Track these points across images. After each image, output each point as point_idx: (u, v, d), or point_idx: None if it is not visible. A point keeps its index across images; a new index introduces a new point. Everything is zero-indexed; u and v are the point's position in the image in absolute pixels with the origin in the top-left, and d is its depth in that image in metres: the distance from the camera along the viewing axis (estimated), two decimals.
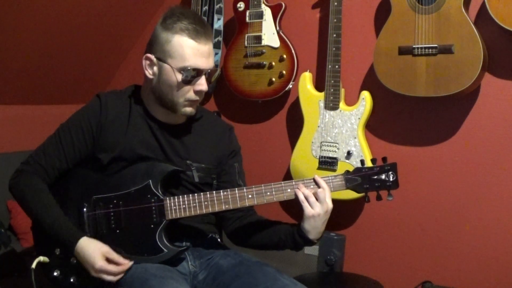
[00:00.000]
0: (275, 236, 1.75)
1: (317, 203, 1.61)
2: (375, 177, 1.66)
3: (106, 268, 1.60)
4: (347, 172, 1.68)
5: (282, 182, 1.64)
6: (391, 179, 1.66)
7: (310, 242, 1.68)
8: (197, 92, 1.69)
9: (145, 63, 1.72)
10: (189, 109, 1.72)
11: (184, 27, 1.65)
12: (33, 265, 1.66)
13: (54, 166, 1.73)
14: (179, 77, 1.65)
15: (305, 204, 1.61)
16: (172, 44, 1.65)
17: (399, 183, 1.67)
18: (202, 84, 1.68)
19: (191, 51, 1.65)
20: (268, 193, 1.64)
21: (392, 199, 1.67)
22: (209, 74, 1.72)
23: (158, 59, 1.68)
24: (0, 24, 2.40)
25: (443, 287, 2.36)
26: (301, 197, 1.62)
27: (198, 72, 1.67)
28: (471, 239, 2.38)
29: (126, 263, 1.63)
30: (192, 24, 1.65)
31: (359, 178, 1.66)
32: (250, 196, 1.65)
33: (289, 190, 1.64)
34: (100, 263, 1.60)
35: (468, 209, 2.39)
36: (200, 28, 1.66)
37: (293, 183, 1.65)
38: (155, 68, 1.70)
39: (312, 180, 1.65)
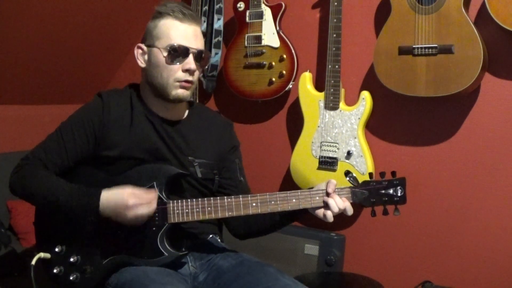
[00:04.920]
0: (274, 217, 1.75)
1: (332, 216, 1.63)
2: (383, 191, 1.63)
3: (140, 201, 1.59)
4: (354, 182, 1.65)
5: (287, 192, 1.63)
6: (399, 194, 1.63)
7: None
8: (185, 71, 1.71)
9: (137, 52, 1.77)
10: (181, 91, 1.72)
11: (169, 10, 1.71)
12: (33, 261, 1.66)
13: (55, 162, 1.73)
14: (166, 54, 1.69)
15: (329, 215, 1.61)
16: (158, 27, 1.72)
17: (406, 198, 1.64)
18: (189, 62, 1.70)
19: (176, 30, 1.70)
20: (273, 202, 1.63)
21: (399, 214, 1.63)
22: (200, 58, 1.73)
23: (148, 46, 1.74)
24: (0, 24, 2.40)
25: (443, 287, 2.36)
26: (334, 207, 1.59)
27: (184, 51, 1.69)
28: (471, 239, 2.38)
29: (153, 191, 1.63)
30: (177, 7, 1.71)
31: (366, 192, 1.63)
32: (254, 204, 1.64)
33: (294, 200, 1.63)
34: (131, 200, 1.58)
35: (468, 209, 2.39)
36: (185, 10, 1.72)
37: (299, 193, 1.63)
38: (146, 56, 1.75)
39: (319, 191, 1.62)
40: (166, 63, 1.69)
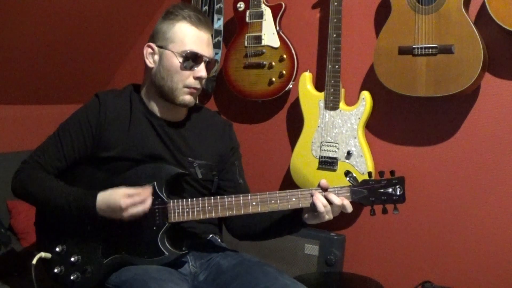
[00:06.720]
0: (274, 221, 1.75)
1: (330, 212, 1.62)
2: (382, 190, 1.63)
3: (133, 201, 1.60)
4: (354, 182, 1.65)
5: (287, 191, 1.64)
6: (398, 193, 1.63)
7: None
8: (196, 79, 1.72)
9: (146, 51, 1.75)
10: (188, 97, 1.74)
11: (186, 14, 1.71)
12: (34, 261, 1.67)
13: (53, 165, 1.74)
14: (180, 60, 1.69)
15: (323, 215, 1.60)
16: (173, 31, 1.71)
17: (406, 197, 1.64)
18: (201, 70, 1.72)
19: (192, 37, 1.70)
20: (273, 201, 1.64)
21: (398, 213, 1.64)
22: (208, 64, 1.74)
23: (160, 47, 1.73)
24: (0, 24, 2.40)
25: (443, 287, 2.36)
26: (320, 207, 1.59)
27: (197, 58, 1.71)
28: (471, 239, 2.38)
29: (147, 188, 1.63)
30: (193, 12, 1.72)
31: (366, 191, 1.63)
32: (254, 203, 1.65)
33: (293, 199, 1.63)
34: (124, 200, 1.59)
35: (468, 209, 2.39)
36: (202, 17, 1.73)
37: (298, 192, 1.64)
38: (156, 57, 1.74)
39: (318, 189, 1.62)
40: (180, 68, 1.70)
